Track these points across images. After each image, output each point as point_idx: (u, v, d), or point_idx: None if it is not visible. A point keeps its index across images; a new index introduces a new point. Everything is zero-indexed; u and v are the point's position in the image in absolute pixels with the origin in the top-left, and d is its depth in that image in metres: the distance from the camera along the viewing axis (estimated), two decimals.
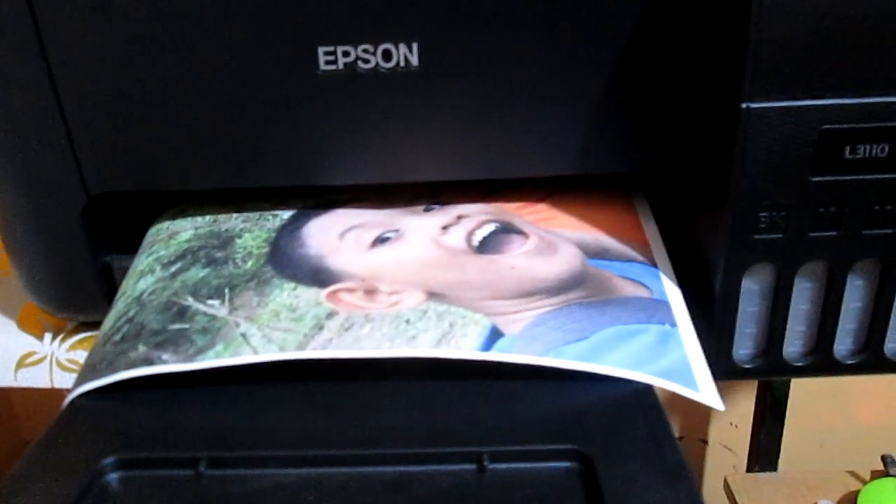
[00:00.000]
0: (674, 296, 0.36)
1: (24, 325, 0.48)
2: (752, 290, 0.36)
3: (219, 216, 0.43)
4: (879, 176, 0.34)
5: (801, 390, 0.89)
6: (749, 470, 0.87)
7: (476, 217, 0.41)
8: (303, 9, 0.36)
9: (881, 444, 0.83)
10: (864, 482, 0.78)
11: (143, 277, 0.38)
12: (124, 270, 0.41)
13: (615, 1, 0.36)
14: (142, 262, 0.40)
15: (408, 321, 0.34)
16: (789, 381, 0.81)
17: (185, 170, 0.40)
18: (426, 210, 0.42)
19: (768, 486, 0.80)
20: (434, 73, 0.37)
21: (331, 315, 0.34)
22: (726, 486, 0.80)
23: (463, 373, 0.32)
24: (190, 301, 0.36)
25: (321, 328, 0.33)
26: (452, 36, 0.36)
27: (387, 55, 0.37)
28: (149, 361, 0.32)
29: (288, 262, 0.38)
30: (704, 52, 0.36)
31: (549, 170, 0.40)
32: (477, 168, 0.40)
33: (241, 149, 0.39)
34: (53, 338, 0.47)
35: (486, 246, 0.39)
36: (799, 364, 0.38)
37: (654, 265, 0.38)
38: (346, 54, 0.37)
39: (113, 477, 0.29)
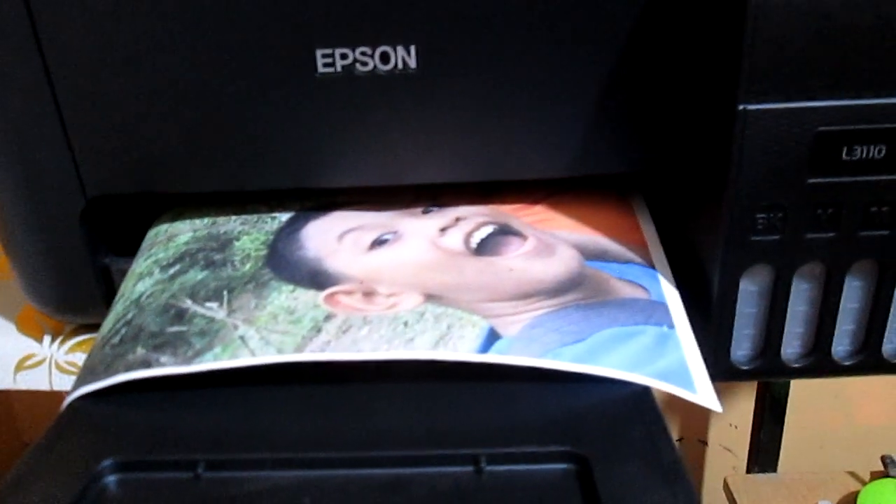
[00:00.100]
0: (672, 297, 0.36)
1: (24, 327, 0.48)
2: (749, 292, 0.36)
3: (217, 218, 0.43)
4: (876, 177, 0.34)
5: (801, 391, 0.89)
6: (749, 471, 0.87)
7: (474, 219, 0.41)
8: (301, 11, 0.36)
9: (881, 444, 0.83)
10: (864, 483, 0.78)
11: (141, 280, 0.38)
12: (123, 272, 0.41)
13: (612, 3, 0.36)
14: (140, 264, 0.40)
15: (406, 323, 0.34)
16: (789, 381, 0.81)
17: (184, 172, 0.40)
18: (424, 212, 0.42)
19: (768, 486, 0.80)
20: (432, 76, 0.37)
21: (329, 317, 0.34)
22: (726, 487, 0.80)
23: (460, 374, 0.32)
24: (188, 303, 0.36)
25: (319, 330, 0.33)
26: (450, 38, 0.36)
27: (385, 58, 0.37)
28: (147, 364, 0.32)
29: (286, 265, 0.38)
30: (701, 54, 0.36)
31: (547, 172, 0.40)
32: (475, 170, 0.40)
33: (239, 151, 0.39)
34: (52, 340, 0.47)
35: (484, 248, 0.39)
36: (797, 365, 0.38)
37: (652, 266, 0.38)
38: (343, 57, 0.37)
39: (111, 479, 0.29)
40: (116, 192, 0.40)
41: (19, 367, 0.46)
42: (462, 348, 0.32)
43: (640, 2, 0.36)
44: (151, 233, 0.43)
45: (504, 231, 0.40)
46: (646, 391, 0.32)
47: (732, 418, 0.95)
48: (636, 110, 0.39)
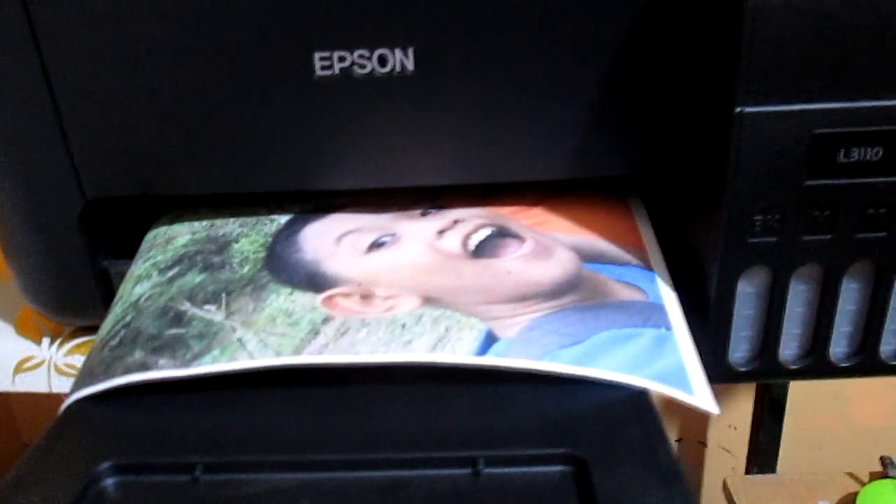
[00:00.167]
0: (669, 299, 0.36)
1: (22, 329, 0.48)
2: (747, 293, 0.36)
3: (216, 221, 0.43)
4: (873, 179, 0.34)
5: (800, 392, 0.89)
6: (748, 472, 0.87)
7: (472, 221, 0.41)
8: (299, 14, 0.36)
9: (880, 445, 0.83)
10: (863, 483, 0.78)
11: (139, 282, 0.38)
12: (122, 275, 0.41)
13: (610, 5, 0.36)
14: (139, 266, 0.40)
15: (403, 326, 0.34)
16: (787, 382, 0.81)
17: (182, 175, 0.40)
18: (423, 214, 0.43)
19: (767, 487, 0.80)
20: (430, 78, 0.37)
21: (327, 320, 0.34)
22: (725, 488, 0.80)
23: (458, 376, 0.32)
24: (187, 306, 0.36)
25: (317, 333, 0.33)
26: (448, 41, 0.37)
27: (382, 60, 0.37)
28: (145, 367, 0.32)
29: (284, 267, 0.38)
30: (698, 57, 0.36)
31: (544, 174, 0.40)
32: (473, 172, 0.40)
33: (237, 153, 0.39)
34: (51, 342, 0.47)
35: (481, 250, 0.39)
36: (794, 367, 0.38)
37: (650, 269, 0.38)
38: (341, 59, 0.37)
39: (109, 482, 0.29)
40: (115, 195, 0.40)
41: (18, 369, 0.47)
42: (460, 351, 0.32)
43: (637, 4, 0.36)
44: (150, 235, 0.43)
45: (502, 233, 0.40)
46: (643, 393, 0.32)
47: (731, 419, 0.95)
48: (634, 112, 0.39)
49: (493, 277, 0.37)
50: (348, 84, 0.37)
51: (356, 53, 0.37)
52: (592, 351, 0.33)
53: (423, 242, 0.40)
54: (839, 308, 0.37)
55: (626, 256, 0.39)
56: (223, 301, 0.36)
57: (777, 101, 0.32)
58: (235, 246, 0.40)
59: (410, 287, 0.36)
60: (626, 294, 0.36)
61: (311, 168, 0.40)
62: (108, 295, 0.43)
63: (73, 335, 0.47)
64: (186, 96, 0.38)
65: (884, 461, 0.77)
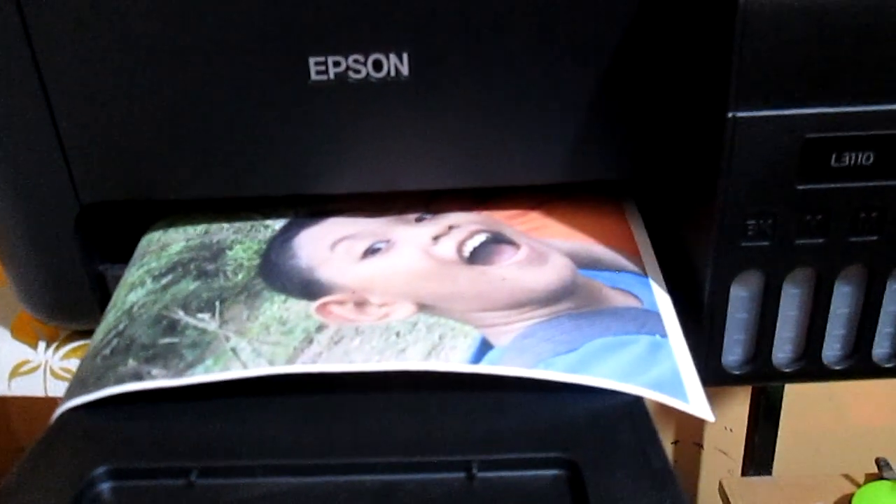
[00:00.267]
0: (664, 306, 0.36)
1: (18, 333, 0.48)
2: (740, 297, 0.37)
3: (210, 227, 0.43)
4: (865, 184, 0.34)
5: (796, 394, 0.89)
6: (744, 473, 0.87)
7: (467, 227, 0.41)
8: (294, 19, 0.36)
9: (875, 447, 0.83)
10: (859, 485, 0.78)
11: (133, 290, 0.38)
12: (117, 279, 0.41)
13: (604, 10, 0.36)
14: (132, 273, 0.40)
15: (398, 334, 0.34)
16: (783, 385, 0.81)
17: (178, 179, 0.40)
18: (417, 220, 0.43)
19: (763, 489, 0.80)
20: (425, 83, 0.37)
21: (321, 328, 0.34)
22: (721, 490, 0.80)
23: (452, 382, 0.32)
24: (180, 314, 0.36)
25: (311, 341, 0.34)
26: (443, 45, 0.37)
27: (377, 65, 0.37)
28: (138, 376, 0.32)
29: (278, 274, 0.38)
30: (691, 62, 0.36)
31: (540, 178, 0.40)
32: (468, 176, 0.40)
33: (232, 158, 0.39)
34: (47, 346, 0.47)
35: (476, 256, 0.39)
36: (788, 370, 0.38)
37: (645, 275, 0.38)
38: (336, 64, 0.37)
39: (104, 487, 0.29)
40: (111, 199, 0.40)
41: (14, 373, 0.47)
42: (454, 358, 0.33)
43: (631, 10, 0.36)
44: (144, 241, 0.43)
45: (497, 239, 0.40)
46: (637, 398, 0.32)
47: (727, 421, 0.95)
48: (628, 116, 0.39)
49: (487, 284, 0.37)
50: (343, 89, 0.37)
51: (351, 58, 0.37)
52: (587, 358, 0.33)
53: (417, 249, 0.40)
54: (832, 311, 0.37)
55: (622, 263, 0.39)
56: (217, 309, 0.36)
57: (769, 105, 0.33)
58: (229, 253, 0.40)
59: (405, 294, 0.37)
60: (621, 301, 0.36)
61: (306, 172, 0.40)
62: (103, 299, 0.43)
63: (69, 339, 0.47)
64: (182, 101, 0.38)
65: (879, 463, 0.77)
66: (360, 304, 0.36)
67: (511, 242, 0.40)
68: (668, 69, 0.38)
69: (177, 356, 0.33)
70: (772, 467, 0.86)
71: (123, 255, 0.43)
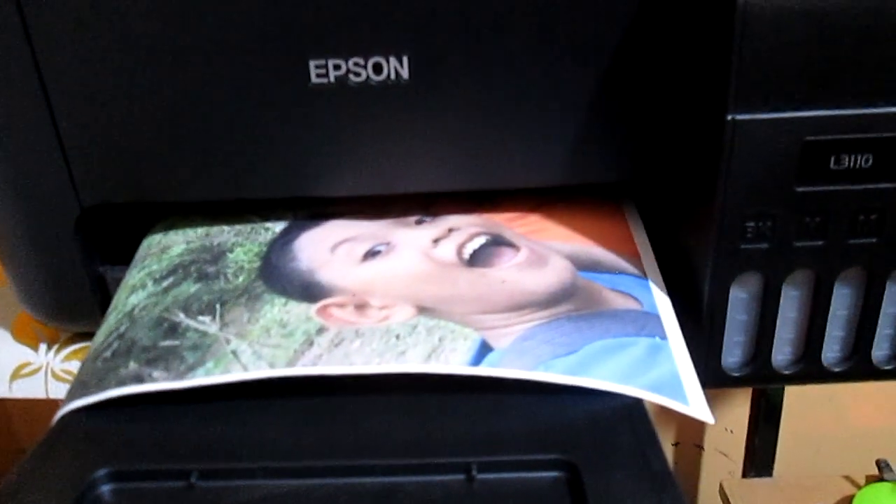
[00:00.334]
0: (664, 308, 0.37)
1: (19, 335, 0.48)
2: (740, 299, 0.37)
3: (211, 229, 0.43)
4: (863, 186, 0.34)
5: (796, 395, 0.89)
6: (745, 475, 0.87)
7: (467, 229, 0.41)
8: (294, 22, 0.36)
9: (876, 448, 0.83)
10: (860, 487, 0.78)
11: (134, 292, 0.38)
12: (118, 281, 0.41)
13: (604, 13, 0.36)
14: (133, 276, 0.40)
15: (398, 336, 0.34)
16: (783, 386, 0.81)
17: (178, 181, 0.40)
18: (417, 222, 0.43)
19: (764, 491, 0.80)
20: (424, 86, 0.38)
21: (321, 330, 0.34)
22: (722, 492, 0.80)
23: (452, 385, 0.32)
24: (181, 317, 0.36)
25: (311, 344, 0.34)
26: (442, 49, 0.37)
27: (377, 68, 0.37)
28: (139, 379, 0.32)
29: (279, 277, 0.39)
30: (690, 65, 0.36)
31: (540, 180, 0.41)
32: (468, 179, 0.40)
33: (233, 160, 0.39)
34: (48, 348, 0.47)
35: (476, 259, 0.39)
36: (787, 372, 0.38)
37: (645, 277, 0.38)
38: (337, 67, 0.37)
39: (105, 489, 0.29)
40: (111, 201, 0.41)
41: (15, 375, 0.47)
42: (454, 361, 0.33)
43: (630, 12, 0.36)
44: (145, 244, 0.43)
45: (497, 242, 0.40)
46: (636, 400, 0.32)
47: (728, 423, 0.95)
48: (627, 119, 0.39)
49: (487, 286, 0.37)
50: (343, 92, 0.38)
51: (351, 61, 0.37)
52: (586, 360, 0.33)
53: (417, 251, 0.40)
54: (831, 313, 0.37)
55: (621, 265, 0.39)
56: (217, 312, 0.36)
57: (768, 108, 0.33)
58: (230, 255, 0.40)
59: (405, 296, 0.37)
60: (621, 303, 0.36)
61: (306, 175, 0.40)
62: (104, 301, 0.43)
63: (70, 341, 0.47)
64: (183, 103, 0.38)
65: (880, 464, 0.77)
66: (361, 307, 0.36)
67: (511, 245, 0.40)
68: (668, 72, 0.38)
69: (178, 358, 0.33)
70: (772, 469, 0.86)
71: (124, 257, 0.43)
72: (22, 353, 0.47)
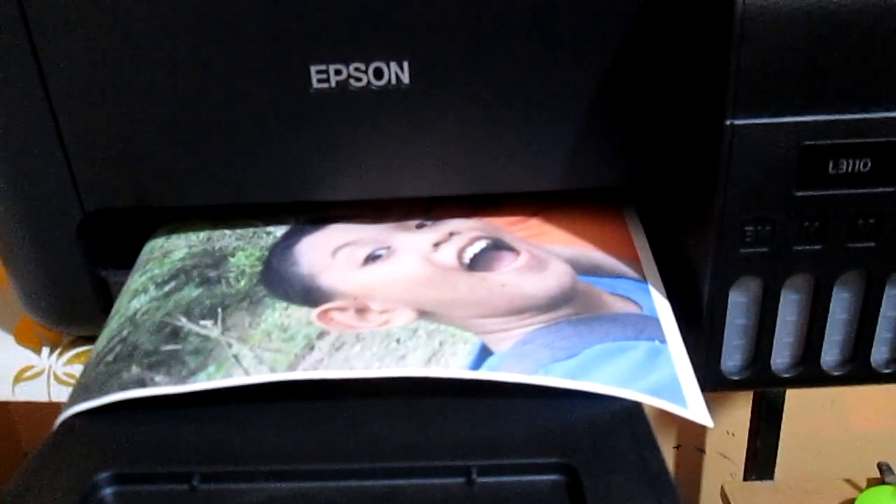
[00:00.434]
0: (664, 312, 0.37)
1: (22, 339, 0.48)
2: (739, 303, 0.37)
3: (212, 234, 0.43)
4: (862, 190, 0.34)
5: (797, 398, 0.89)
6: (746, 478, 0.87)
7: (467, 234, 0.42)
8: (296, 28, 0.36)
9: (877, 451, 0.83)
10: (861, 490, 0.78)
11: (136, 297, 0.39)
12: (120, 285, 0.41)
13: (603, 19, 0.36)
14: (136, 280, 0.40)
15: (398, 340, 0.34)
16: (784, 389, 0.81)
17: (180, 186, 0.40)
18: (418, 227, 0.43)
19: (765, 494, 0.80)
20: (425, 91, 0.38)
21: (322, 335, 0.35)
22: (723, 495, 0.80)
23: (452, 389, 0.33)
24: (183, 321, 0.36)
25: (312, 348, 0.34)
26: (443, 54, 0.37)
27: (378, 73, 0.37)
28: (141, 383, 0.33)
29: (280, 281, 0.39)
30: (690, 70, 0.36)
31: (540, 184, 0.41)
32: (468, 183, 0.41)
33: (235, 165, 0.40)
34: (51, 352, 0.47)
35: (476, 263, 0.39)
36: (787, 375, 0.38)
37: (645, 281, 0.38)
38: (338, 72, 0.37)
39: (108, 492, 0.29)
40: (114, 206, 0.41)
41: (18, 378, 0.47)
42: (454, 365, 0.33)
43: (631, 17, 0.36)
44: (147, 248, 0.43)
45: (497, 246, 0.41)
46: (636, 403, 0.32)
47: (729, 426, 0.95)
48: (627, 124, 0.39)
49: (487, 291, 0.37)
50: (344, 97, 0.38)
51: (352, 66, 0.37)
52: (586, 364, 0.33)
53: (418, 255, 0.40)
54: (831, 317, 0.37)
55: (621, 268, 0.39)
56: (219, 316, 0.36)
57: (767, 113, 0.33)
58: (232, 260, 0.41)
59: (405, 300, 0.37)
60: (621, 307, 0.37)
61: (307, 179, 0.40)
62: (106, 304, 0.43)
63: (73, 344, 0.47)
64: (184, 108, 0.38)
65: (881, 467, 0.77)
66: (361, 311, 0.36)
67: (511, 249, 0.40)
68: (667, 76, 0.38)
69: (180, 363, 0.33)
70: (774, 472, 0.86)
71: (126, 261, 0.43)
72: (25, 356, 0.47)
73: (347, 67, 0.37)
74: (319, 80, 0.37)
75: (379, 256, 0.40)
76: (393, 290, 0.37)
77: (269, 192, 0.41)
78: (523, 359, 0.33)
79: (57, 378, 0.46)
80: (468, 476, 0.29)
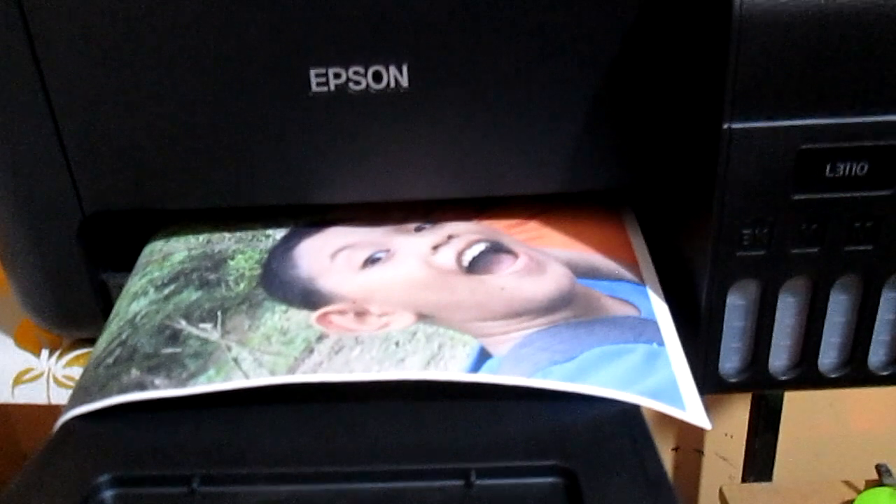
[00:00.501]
0: (662, 315, 0.37)
1: (21, 341, 0.48)
2: (737, 306, 0.37)
3: (212, 236, 0.43)
4: (859, 193, 0.34)
5: (795, 400, 0.89)
6: (744, 480, 0.87)
7: (466, 236, 0.42)
8: (295, 31, 0.36)
9: (875, 453, 0.83)
10: (859, 491, 0.78)
11: (136, 299, 0.39)
12: (120, 287, 0.41)
13: (602, 22, 0.37)
14: (135, 283, 0.40)
15: (397, 343, 0.34)
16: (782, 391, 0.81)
17: (180, 189, 0.40)
18: (417, 230, 0.43)
19: (763, 495, 0.80)
20: (424, 94, 0.38)
21: (321, 338, 0.35)
22: (722, 496, 0.81)
23: (451, 392, 0.33)
24: (182, 324, 0.36)
25: (311, 351, 0.34)
26: (441, 57, 0.37)
27: (377, 76, 0.37)
28: (141, 386, 0.33)
29: (279, 284, 0.39)
30: (688, 73, 0.36)
31: (538, 187, 0.41)
32: (467, 186, 0.41)
33: (235, 168, 0.40)
34: (50, 354, 0.47)
35: (475, 266, 0.39)
36: (784, 378, 0.38)
37: (643, 284, 0.39)
38: (337, 76, 0.37)
39: (108, 494, 0.29)
40: (114, 209, 0.41)
41: (17, 380, 0.47)
42: (453, 367, 0.33)
43: (629, 21, 0.37)
44: (146, 251, 0.43)
45: (496, 249, 0.41)
46: (634, 406, 0.32)
47: (728, 428, 0.95)
48: (625, 127, 0.39)
49: (486, 293, 0.37)
50: (343, 100, 0.38)
51: (351, 70, 0.37)
52: (584, 367, 0.33)
53: (417, 258, 0.40)
54: (828, 320, 0.37)
55: (619, 271, 0.39)
56: (219, 319, 0.36)
57: (764, 117, 0.33)
58: (231, 263, 0.41)
59: (405, 303, 0.37)
60: (619, 309, 0.37)
61: (306, 182, 0.40)
62: (106, 307, 0.43)
63: (72, 347, 0.48)
64: (184, 112, 0.38)
65: (879, 469, 0.77)
66: (361, 314, 0.36)
67: (510, 252, 0.40)
68: (665, 80, 0.38)
69: (179, 366, 0.33)
70: (772, 473, 0.86)
71: (126, 263, 0.43)
72: (24, 358, 0.47)
73: (346, 71, 0.37)
74: (318, 84, 0.38)
75: (378, 259, 0.40)
76: (392, 293, 0.38)
77: (268, 195, 0.41)
78: (522, 361, 0.33)
79: (56, 380, 0.46)
80: (467, 478, 0.29)
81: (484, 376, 0.32)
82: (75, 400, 0.33)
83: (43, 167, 0.39)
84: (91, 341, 0.43)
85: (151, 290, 0.39)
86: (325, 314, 0.36)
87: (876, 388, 0.40)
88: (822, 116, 0.33)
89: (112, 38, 0.37)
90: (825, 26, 0.31)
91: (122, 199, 0.41)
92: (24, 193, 0.40)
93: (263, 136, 0.39)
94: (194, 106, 0.38)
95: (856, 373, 0.38)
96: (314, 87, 0.38)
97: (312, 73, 0.37)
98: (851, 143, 0.33)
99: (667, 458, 0.97)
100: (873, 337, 0.38)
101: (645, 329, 0.35)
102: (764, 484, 0.84)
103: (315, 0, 0.36)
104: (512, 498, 0.29)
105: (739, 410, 0.91)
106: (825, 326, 0.37)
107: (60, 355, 0.47)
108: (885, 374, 0.38)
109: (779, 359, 0.38)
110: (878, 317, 0.37)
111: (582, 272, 0.39)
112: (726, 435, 0.96)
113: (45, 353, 0.47)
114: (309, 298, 0.38)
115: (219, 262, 0.41)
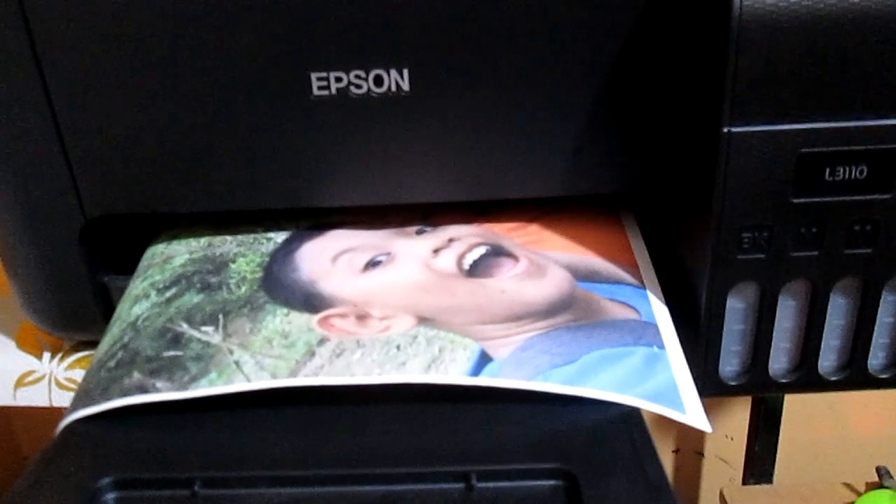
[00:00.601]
0: (662, 317, 0.37)
1: (23, 344, 0.48)
2: (737, 309, 0.37)
3: (213, 239, 0.43)
4: (858, 197, 0.34)
5: (796, 402, 0.89)
6: (745, 482, 0.87)
7: (467, 240, 0.42)
8: (296, 35, 0.37)
9: (876, 455, 0.84)
10: (859, 493, 0.78)
11: (137, 302, 0.39)
12: (121, 290, 0.41)
13: (602, 26, 0.37)
14: (137, 286, 0.40)
15: (398, 347, 0.34)
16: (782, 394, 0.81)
17: (182, 192, 0.40)
18: (418, 233, 0.43)
19: (764, 497, 0.80)
20: (425, 98, 0.38)
21: (322, 341, 0.35)
22: (722, 499, 0.81)
23: (451, 395, 0.33)
24: (184, 327, 0.36)
25: (313, 354, 0.34)
26: (442, 61, 0.37)
27: (378, 80, 0.37)
28: (143, 389, 0.33)
29: (281, 287, 0.39)
30: (688, 77, 0.36)
31: (539, 191, 0.41)
32: (468, 190, 0.41)
33: (236, 172, 0.40)
34: (52, 357, 0.47)
35: (476, 269, 0.40)
36: (784, 380, 0.38)
37: (643, 287, 0.39)
38: (338, 80, 0.37)
39: (110, 497, 0.29)
40: (115, 212, 0.41)
41: (19, 383, 0.47)
42: (453, 371, 0.33)
43: (629, 24, 0.37)
44: (148, 254, 0.43)
45: (496, 252, 0.41)
46: (634, 409, 0.32)
47: (728, 430, 0.95)
48: (625, 131, 0.39)
49: (487, 297, 0.37)
50: (345, 104, 0.38)
51: (352, 74, 0.37)
52: (584, 370, 0.33)
53: (418, 261, 0.40)
54: (828, 322, 0.37)
55: (620, 274, 0.39)
56: (220, 322, 0.36)
57: (764, 121, 0.33)
58: (233, 266, 0.41)
59: (405, 307, 0.37)
60: (619, 312, 0.37)
61: (308, 186, 0.40)
62: (107, 310, 0.44)
63: (74, 349, 0.48)
64: (186, 116, 0.38)
65: (879, 471, 0.77)
66: (362, 317, 0.36)
67: (510, 255, 0.40)
68: (665, 83, 0.38)
69: (181, 369, 0.34)
70: (772, 476, 0.86)
71: (127, 266, 0.43)
72: (26, 361, 0.47)
73: (348, 74, 0.37)
74: (320, 88, 0.38)
75: (379, 262, 0.40)
76: (393, 297, 0.38)
77: (269, 199, 0.41)
78: (522, 365, 0.33)
79: (58, 383, 0.47)
80: (467, 481, 0.29)
81: (484, 380, 0.32)
82: (77, 403, 0.33)
83: (45, 171, 0.39)
84: (93, 344, 0.44)
85: (153, 294, 0.39)
86: (327, 317, 0.37)
87: (876, 391, 0.40)
88: (822, 120, 0.33)
89: (114, 43, 0.37)
90: (824, 30, 0.32)
91: (123, 202, 0.41)
92: (25, 196, 0.40)
93: (265, 140, 0.39)
94: (196, 109, 0.38)
95: (856, 375, 0.38)
96: (315, 91, 0.38)
97: (314, 76, 0.37)
98: (851, 147, 0.33)
99: (667, 460, 0.97)
100: (873, 340, 0.38)
101: (645, 332, 0.36)
102: (764, 486, 0.84)
103: (316, 4, 0.36)
104: (512, 501, 0.29)
105: (740, 413, 0.91)
106: (825, 329, 0.37)
107: (62, 358, 0.47)
108: (884, 376, 0.39)
109: (779, 361, 0.38)
110: (878, 319, 0.37)
111: (582, 275, 0.39)
112: (726, 437, 0.96)
113: (46, 355, 0.47)
114: (310, 301, 0.38)
115: (220, 265, 0.41)
